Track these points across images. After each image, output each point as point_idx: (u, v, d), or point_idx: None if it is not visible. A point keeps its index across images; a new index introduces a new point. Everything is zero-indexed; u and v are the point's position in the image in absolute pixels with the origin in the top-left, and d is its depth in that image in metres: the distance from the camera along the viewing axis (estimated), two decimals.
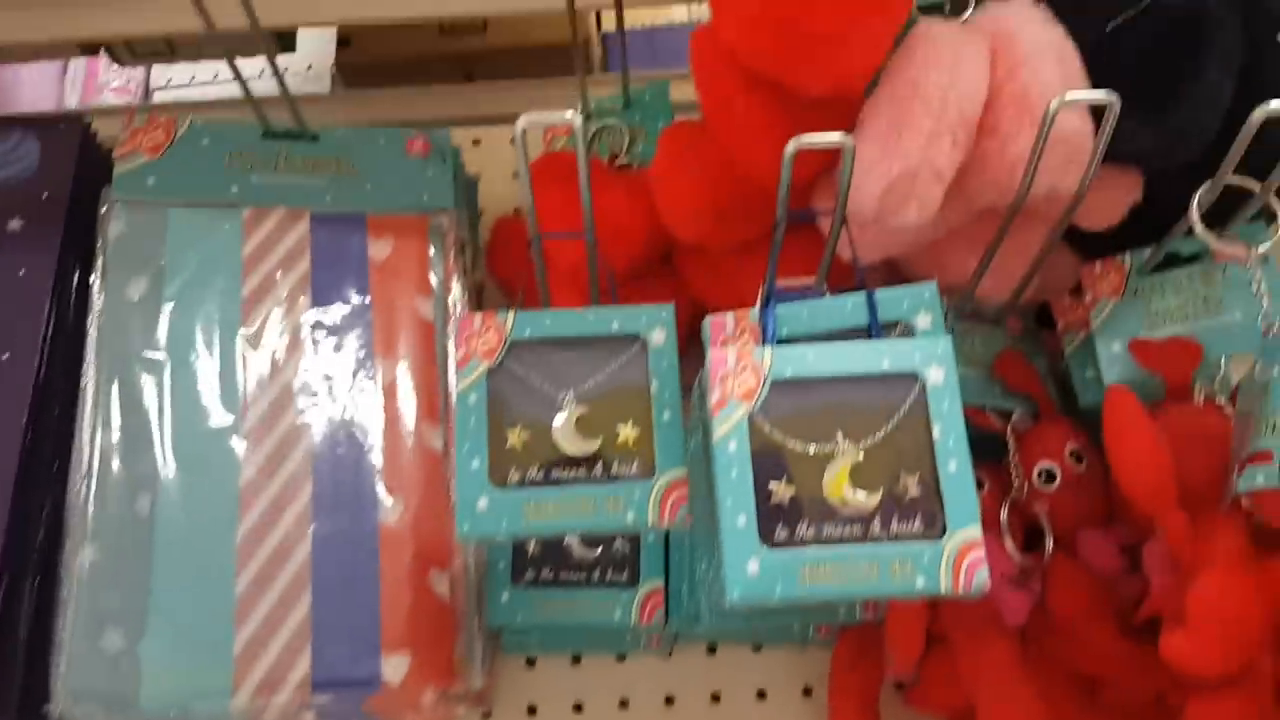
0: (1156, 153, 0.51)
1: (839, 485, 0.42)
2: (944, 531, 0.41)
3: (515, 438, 0.47)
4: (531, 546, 0.61)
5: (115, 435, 0.58)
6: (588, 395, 0.48)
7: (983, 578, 0.40)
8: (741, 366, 0.44)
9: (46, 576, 0.56)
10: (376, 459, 0.59)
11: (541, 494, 0.46)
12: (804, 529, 0.42)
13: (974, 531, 0.41)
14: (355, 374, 0.61)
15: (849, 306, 0.47)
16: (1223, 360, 0.52)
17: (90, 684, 0.52)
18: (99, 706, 0.52)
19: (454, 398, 0.48)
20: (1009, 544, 0.55)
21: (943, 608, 0.55)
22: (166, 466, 0.57)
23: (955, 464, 0.42)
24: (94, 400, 0.59)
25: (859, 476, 0.42)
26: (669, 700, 0.63)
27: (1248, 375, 0.50)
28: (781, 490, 0.42)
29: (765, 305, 0.46)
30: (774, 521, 0.42)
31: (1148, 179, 0.55)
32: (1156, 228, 0.56)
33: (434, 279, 0.65)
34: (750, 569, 0.41)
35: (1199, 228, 0.50)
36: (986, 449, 0.55)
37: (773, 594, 0.40)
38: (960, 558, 0.41)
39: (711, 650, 0.65)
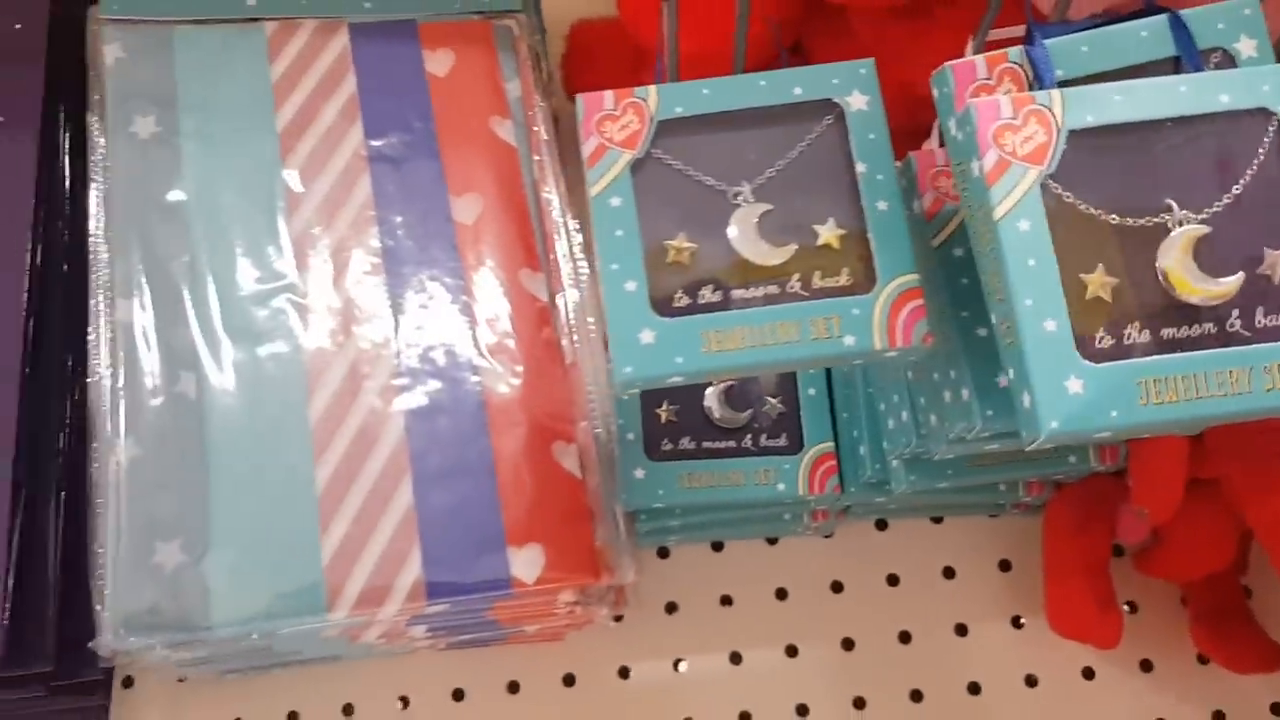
0: None
1: (1179, 269, 0.30)
2: None
3: (677, 251, 0.36)
4: (664, 411, 0.49)
5: (140, 303, 0.46)
6: (770, 188, 0.37)
7: None
8: (1023, 117, 0.31)
9: (76, 488, 0.45)
10: (467, 315, 0.47)
11: (723, 320, 0.35)
12: (1134, 332, 0.30)
13: None
14: (427, 214, 0.49)
15: (1142, 35, 0.34)
16: None
17: (144, 608, 0.41)
18: (159, 635, 0.41)
19: (590, 201, 0.36)
20: None
21: (1214, 441, 0.44)
22: (209, 336, 0.45)
23: None
24: (109, 263, 0.46)
25: (1205, 255, 0.30)
26: (836, 586, 0.53)
27: None
28: (1098, 282, 0.30)
29: (1029, 39, 0.33)
30: (1092, 325, 0.30)
31: None
32: None
33: (510, 95, 0.52)
34: (1070, 389, 0.29)
35: None
36: None
37: (1102, 420, 0.29)
38: None
39: (881, 526, 0.54)
